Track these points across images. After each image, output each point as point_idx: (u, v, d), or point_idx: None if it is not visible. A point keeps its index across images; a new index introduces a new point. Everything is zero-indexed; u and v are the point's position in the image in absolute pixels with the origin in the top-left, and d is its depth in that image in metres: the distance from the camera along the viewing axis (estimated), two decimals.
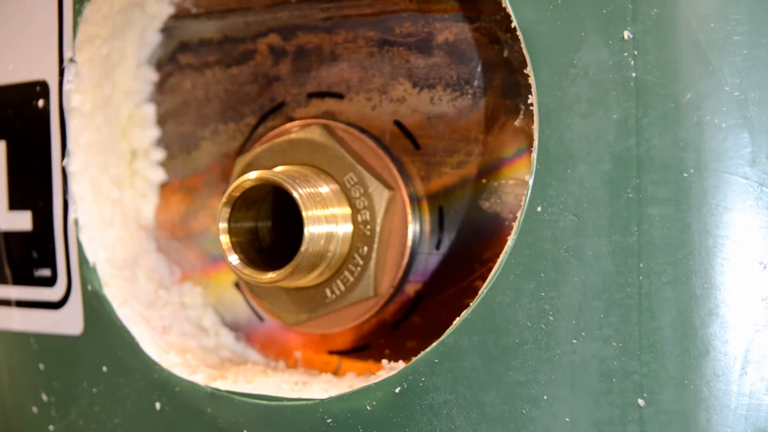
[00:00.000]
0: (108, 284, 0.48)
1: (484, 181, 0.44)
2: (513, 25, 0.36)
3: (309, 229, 0.42)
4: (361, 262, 0.45)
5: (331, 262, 0.44)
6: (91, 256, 0.48)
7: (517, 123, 0.43)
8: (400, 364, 0.42)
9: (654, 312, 0.34)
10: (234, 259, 0.44)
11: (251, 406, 0.43)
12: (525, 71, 0.36)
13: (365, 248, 0.44)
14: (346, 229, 0.44)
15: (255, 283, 0.44)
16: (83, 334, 0.49)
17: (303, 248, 0.42)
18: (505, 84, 0.43)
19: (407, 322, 0.46)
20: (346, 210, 0.45)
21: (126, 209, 0.52)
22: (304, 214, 0.42)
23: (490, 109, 0.44)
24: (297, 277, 0.43)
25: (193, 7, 0.51)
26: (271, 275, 0.42)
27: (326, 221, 0.43)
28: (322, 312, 0.46)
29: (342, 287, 0.45)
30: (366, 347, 0.48)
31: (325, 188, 0.44)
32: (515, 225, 0.36)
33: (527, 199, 0.36)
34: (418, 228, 0.45)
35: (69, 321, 0.49)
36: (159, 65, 0.52)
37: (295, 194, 0.42)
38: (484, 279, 0.37)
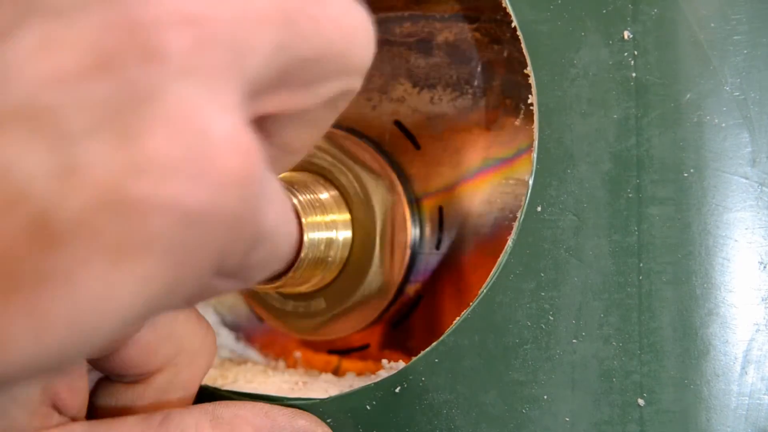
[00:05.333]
0: None
1: (484, 181, 0.44)
2: (513, 25, 0.36)
3: (309, 236, 0.42)
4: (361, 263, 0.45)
5: (332, 266, 0.44)
6: None
7: (517, 123, 0.43)
8: (400, 364, 0.42)
9: (654, 312, 0.34)
10: None
11: None
12: (525, 71, 0.36)
13: None
14: (345, 234, 0.44)
15: (254, 289, 0.44)
16: None
17: (303, 254, 0.42)
18: (505, 84, 0.43)
19: (407, 322, 0.46)
20: (346, 216, 0.44)
21: None
22: (303, 220, 0.42)
23: (490, 109, 0.44)
24: (297, 283, 0.43)
25: None
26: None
27: (326, 227, 0.43)
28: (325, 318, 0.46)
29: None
30: (366, 347, 0.48)
31: (324, 194, 0.44)
32: (515, 225, 0.36)
33: (527, 199, 0.36)
34: (418, 228, 0.45)
35: None
36: None
37: (294, 200, 0.42)
38: (484, 279, 0.37)
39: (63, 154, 0.14)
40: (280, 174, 0.25)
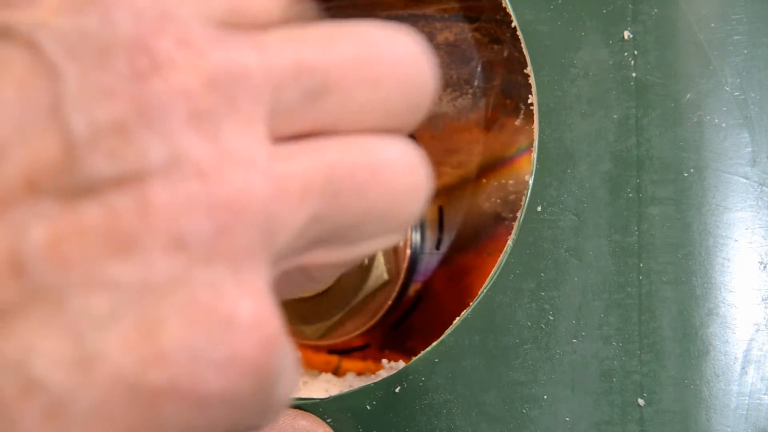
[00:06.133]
0: None
1: (484, 181, 0.44)
2: (513, 25, 0.36)
3: None
4: (365, 262, 0.45)
5: None
6: None
7: (517, 123, 0.43)
8: (400, 364, 0.42)
9: (654, 312, 0.34)
10: None
11: None
12: (525, 71, 0.36)
13: None
14: None
15: None
16: None
17: None
18: (505, 84, 0.43)
19: (407, 322, 0.46)
20: None
21: None
22: None
23: (490, 109, 0.44)
24: None
25: None
26: None
27: None
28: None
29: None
30: (366, 347, 0.48)
31: None
32: (515, 225, 0.36)
33: (527, 199, 0.36)
34: (418, 228, 0.45)
35: None
36: None
37: None
38: (484, 279, 0.37)
39: (82, 343, 0.14)
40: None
